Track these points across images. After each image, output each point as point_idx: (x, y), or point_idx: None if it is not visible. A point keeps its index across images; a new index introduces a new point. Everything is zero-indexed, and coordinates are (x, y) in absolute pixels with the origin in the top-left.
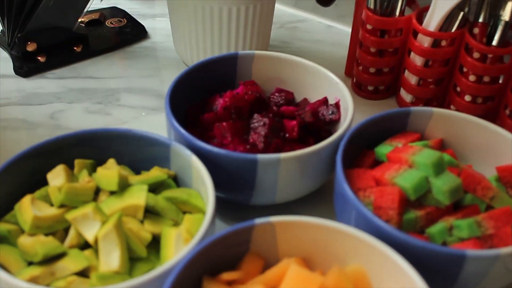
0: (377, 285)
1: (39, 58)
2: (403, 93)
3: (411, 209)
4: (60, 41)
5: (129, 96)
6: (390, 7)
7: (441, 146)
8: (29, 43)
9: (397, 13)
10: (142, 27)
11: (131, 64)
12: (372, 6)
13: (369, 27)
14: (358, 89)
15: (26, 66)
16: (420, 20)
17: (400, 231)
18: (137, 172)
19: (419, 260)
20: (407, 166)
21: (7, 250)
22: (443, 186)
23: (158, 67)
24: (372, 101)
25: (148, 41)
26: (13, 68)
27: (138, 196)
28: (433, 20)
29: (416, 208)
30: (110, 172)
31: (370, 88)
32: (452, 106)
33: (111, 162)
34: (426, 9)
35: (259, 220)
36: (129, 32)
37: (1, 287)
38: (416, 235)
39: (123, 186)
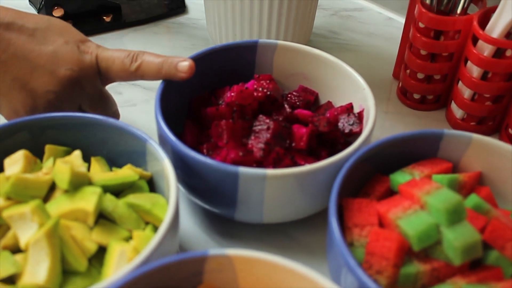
0: None
1: None
2: (454, 107)
3: (414, 261)
4: (91, 9)
5: None
6: (452, 3)
7: (477, 181)
8: (55, 8)
9: (459, 10)
10: (181, 1)
11: (159, 40)
12: (428, 1)
13: (421, 25)
14: (403, 96)
15: None
16: (483, 23)
17: None
18: (112, 167)
19: None
20: (418, 206)
21: None
22: (455, 240)
23: (187, 46)
24: (417, 111)
25: (184, 17)
26: None
27: (88, 200)
28: (498, 25)
29: (421, 261)
30: (63, 168)
31: (417, 96)
32: (511, 130)
33: (76, 154)
34: (493, 10)
35: (213, 251)
36: (167, 5)
37: None
38: None
39: (78, 185)
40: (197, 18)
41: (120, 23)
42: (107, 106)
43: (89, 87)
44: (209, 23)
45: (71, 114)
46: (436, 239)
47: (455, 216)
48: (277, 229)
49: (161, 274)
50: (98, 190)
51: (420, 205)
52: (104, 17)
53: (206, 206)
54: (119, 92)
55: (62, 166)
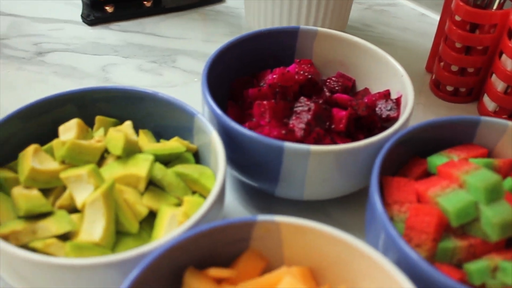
0: None
1: (106, 8)
2: (486, 100)
3: (452, 237)
4: None
5: (185, 59)
6: None
7: (511, 167)
8: None
9: (495, 6)
10: None
11: (197, 27)
12: None
13: (457, 18)
14: (436, 88)
15: (93, 15)
16: None
17: (430, 264)
18: (160, 139)
19: None
20: (457, 185)
21: (2, 198)
22: (493, 217)
23: (224, 33)
24: (450, 103)
25: (222, 5)
26: (81, 15)
27: (141, 166)
28: None
29: (458, 237)
30: (118, 135)
31: (450, 88)
32: None
33: (127, 124)
34: None
35: (261, 217)
36: None
37: None
38: (451, 269)
39: (130, 152)
40: (234, 7)
41: (160, 9)
42: None
43: None
44: (248, 11)
45: (120, 87)
46: (474, 216)
47: (493, 194)
48: (315, 207)
49: (210, 237)
50: (150, 157)
51: (459, 184)
52: (145, 2)
53: (248, 181)
54: (160, 74)
55: (116, 133)
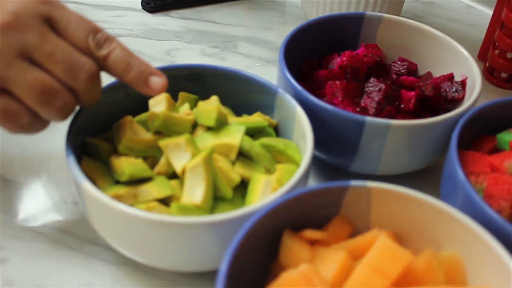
0: (472, 278)
1: None
2: None
3: None
4: None
5: (246, 45)
6: None
7: None
8: None
9: None
10: None
11: (254, 15)
12: None
13: None
14: (490, 75)
15: (153, 2)
16: None
17: (510, 224)
18: (238, 116)
19: None
20: None
21: (98, 166)
22: None
23: (280, 21)
24: (503, 90)
25: None
26: (141, 3)
27: (234, 136)
28: None
29: None
30: (210, 107)
31: (504, 75)
32: None
33: (214, 98)
34: None
35: (354, 182)
36: None
37: (86, 200)
38: None
39: (221, 124)
40: None
41: None
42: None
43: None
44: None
45: (203, 64)
46: None
47: None
48: (385, 182)
49: (305, 201)
50: (242, 127)
51: None
52: None
53: (323, 156)
54: (223, 58)
55: (207, 106)
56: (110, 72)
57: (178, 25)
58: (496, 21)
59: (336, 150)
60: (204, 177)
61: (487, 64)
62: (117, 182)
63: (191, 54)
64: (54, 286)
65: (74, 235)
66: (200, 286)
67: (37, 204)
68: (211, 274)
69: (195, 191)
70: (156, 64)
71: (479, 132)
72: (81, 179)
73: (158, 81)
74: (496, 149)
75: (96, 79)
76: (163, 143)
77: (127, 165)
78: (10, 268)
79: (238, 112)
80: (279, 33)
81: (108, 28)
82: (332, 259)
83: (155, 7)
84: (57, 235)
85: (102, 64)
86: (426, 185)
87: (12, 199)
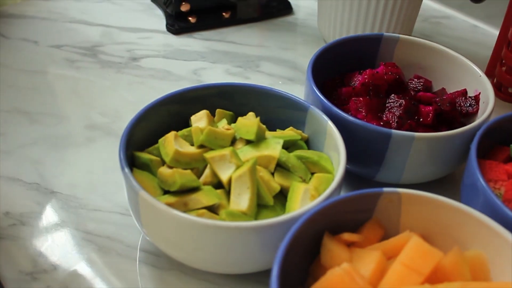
0: (496, 274)
1: (190, 18)
2: None
3: None
4: (212, 5)
5: (268, 64)
6: None
7: None
8: (183, 3)
9: None
10: (287, 3)
11: (273, 36)
12: None
13: None
14: (498, 90)
15: (177, 25)
16: None
17: None
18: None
19: None
20: None
21: (148, 177)
22: None
23: (298, 41)
24: (511, 104)
25: (291, 17)
26: (166, 25)
27: (273, 148)
28: None
29: None
30: (250, 122)
31: (511, 90)
32: None
33: (251, 114)
34: None
35: (387, 189)
36: (275, 6)
37: (142, 207)
38: None
39: (260, 138)
40: (303, 18)
41: (237, 19)
42: None
43: None
44: (321, 21)
45: (238, 83)
46: None
47: None
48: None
49: (342, 207)
50: (280, 140)
51: None
52: (223, 14)
53: (350, 167)
54: (247, 77)
55: (247, 121)
56: None
57: (202, 46)
58: (503, 39)
59: (363, 161)
60: (249, 186)
61: (495, 80)
62: (166, 192)
63: (217, 73)
64: None
65: (122, 243)
66: (242, 287)
67: (87, 213)
68: (252, 276)
69: (241, 199)
70: (185, 83)
71: (494, 144)
72: (138, 188)
73: None
74: (510, 159)
75: None
76: (209, 155)
77: (178, 175)
78: (61, 273)
79: (269, 128)
80: (297, 53)
81: (137, 49)
82: (369, 259)
83: (179, 28)
84: (106, 243)
85: None
86: (446, 193)
87: (59, 210)
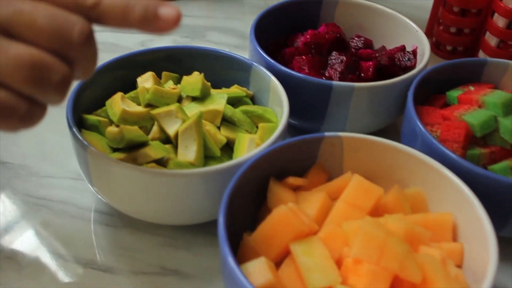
0: (434, 207)
1: None
2: (481, 55)
3: (476, 146)
4: None
5: (215, 34)
6: None
7: None
8: None
9: None
10: None
11: (220, 7)
12: None
13: None
14: (436, 48)
15: None
16: None
17: (464, 160)
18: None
19: (479, 190)
20: (477, 106)
21: (96, 137)
22: (510, 125)
23: (245, 11)
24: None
25: None
26: None
27: (218, 103)
28: None
29: (481, 146)
30: (194, 79)
31: (449, 48)
32: None
33: (196, 73)
34: None
35: (328, 134)
36: None
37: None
38: None
39: (205, 94)
40: None
41: None
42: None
43: None
44: None
45: (183, 46)
46: (494, 128)
47: (509, 108)
48: None
49: (287, 152)
50: (225, 95)
51: (479, 105)
52: None
53: (295, 123)
54: None
55: (192, 79)
56: (107, 21)
57: None
58: (439, 0)
59: (308, 115)
60: (196, 138)
61: (434, 39)
62: (115, 151)
63: (164, 43)
64: (58, 252)
65: (76, 205)
66: (197, 239)
67: (39, 180)
68: (203, 226)
69: (188, 151)
70: None
71: (431, 93)
72: (86, 145)
73: (170, 11)
74: (446, 105)
75: (91, 38)
76: (155, 112)
77: (125, 131)
78: (14, 237)
79: (216, 88)
80: (243, 22)
81: None
82: (314, 200)
83: None
84: (59, 206)
85: (95, 16)
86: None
87: (11, 179)
